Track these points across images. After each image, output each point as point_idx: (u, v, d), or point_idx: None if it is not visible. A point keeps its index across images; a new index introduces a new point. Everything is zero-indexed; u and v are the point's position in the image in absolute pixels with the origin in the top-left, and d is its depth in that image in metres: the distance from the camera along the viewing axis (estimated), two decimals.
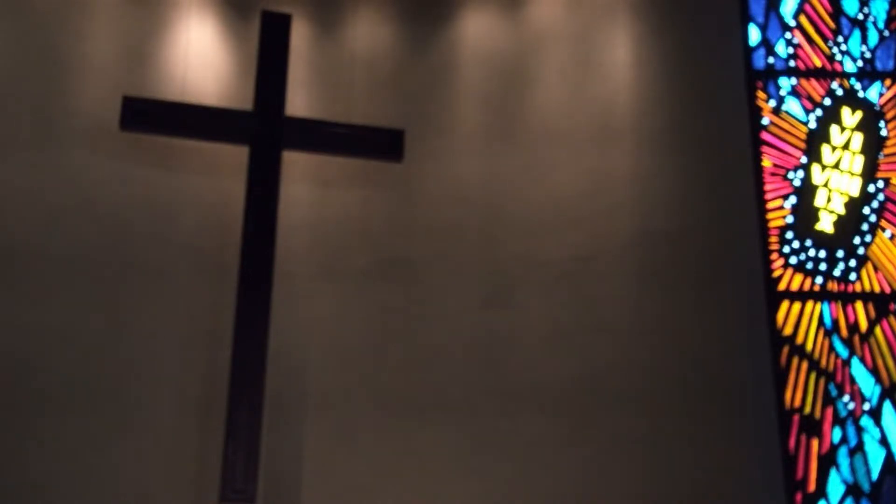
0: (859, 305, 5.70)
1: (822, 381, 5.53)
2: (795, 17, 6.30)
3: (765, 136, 6.00)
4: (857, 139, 6.02)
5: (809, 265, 5.78)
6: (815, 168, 5.97)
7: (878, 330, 5.65)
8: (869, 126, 6.05)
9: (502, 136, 6.04)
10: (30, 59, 5.63)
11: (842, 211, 5.89)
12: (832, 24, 6.28)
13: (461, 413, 5.46)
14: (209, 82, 5.95)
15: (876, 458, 5.42)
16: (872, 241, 5.84)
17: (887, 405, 5.51)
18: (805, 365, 5.55)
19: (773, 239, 5.80)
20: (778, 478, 5.25)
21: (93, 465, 5.09)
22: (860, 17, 6.30)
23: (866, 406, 5.50)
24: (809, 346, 5.60)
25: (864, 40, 6.26)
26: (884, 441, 5.45)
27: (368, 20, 6.29)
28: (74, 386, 5.19)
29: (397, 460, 5.35)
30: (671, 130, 5.87)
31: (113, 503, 5.06)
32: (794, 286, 5.73)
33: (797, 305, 5.68)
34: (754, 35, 6.22)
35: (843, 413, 5.48)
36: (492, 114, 6.10)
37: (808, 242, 5.82)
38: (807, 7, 6.32)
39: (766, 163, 5.94)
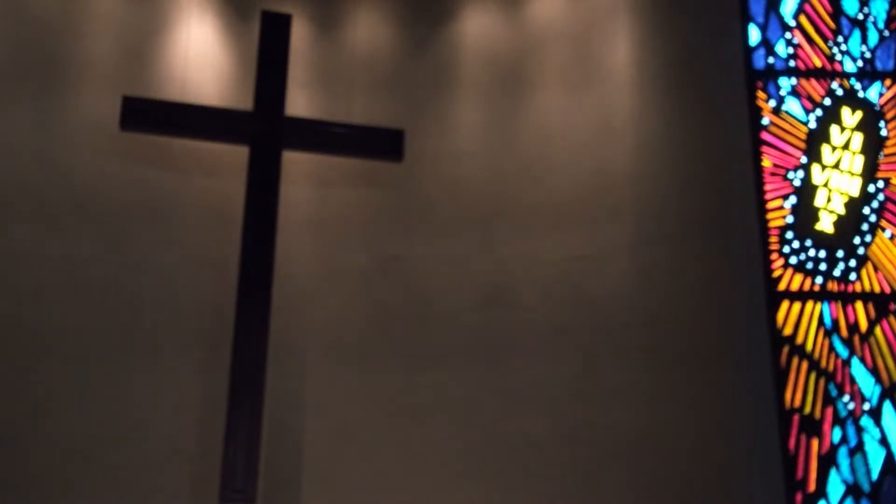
0: (859, 305, 5.70)
1: (822, 381, 5.53)
2: (795, 17, 6.29)
3: (765, 136, 6.00)
4: (857, 139, 6.02)
5: (809, 265, 5.77)
6: (815, 168, 5.96)
7: (878, 330, 5.65)
8: (869, 126, 6.05)
9: (502, 136, 6.05)
10: (30, 59, 5.63)
11: (842, 211, 5.88)
12: (832, 24, 6.28)
13: (461, 413, 5.47)
14: (209, 82, 5.95)
15: (876, 458, 5.42)
16: (872, 241, 5.84)
17: (887, 405, 5.50)
18: (805, 365, 5.55)
19: (773, 239, 5.80)
20: (778, 478, 5.25)
21: (93, 465, 5.09)
22: (860, 17, 6.30)
23: (866, 406, 5.50)
24: (809, 346, 5.59)
25: (864, 40, 6.25)
26: (884, 441, 5.45)
27: (368, 20, 6.29)
28: (74, 386, 5.20)
29: (397, 460, 5.35)
30: (671, 130, 5.87)
31: (114, 503, 5.06)
32: (794, 286, 5.73)
33: (797, 305, 5.68)
34: (754, 35, 6.21)
35: (843, 413, 5.48)
36: (492, 114, 6.10)
37: (808, 242, 5.82)
38: (807, 7, 6.31)
39: (766, 163, 5.94)
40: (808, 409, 5.47)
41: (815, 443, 5.42)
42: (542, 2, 6.28)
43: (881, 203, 5.90)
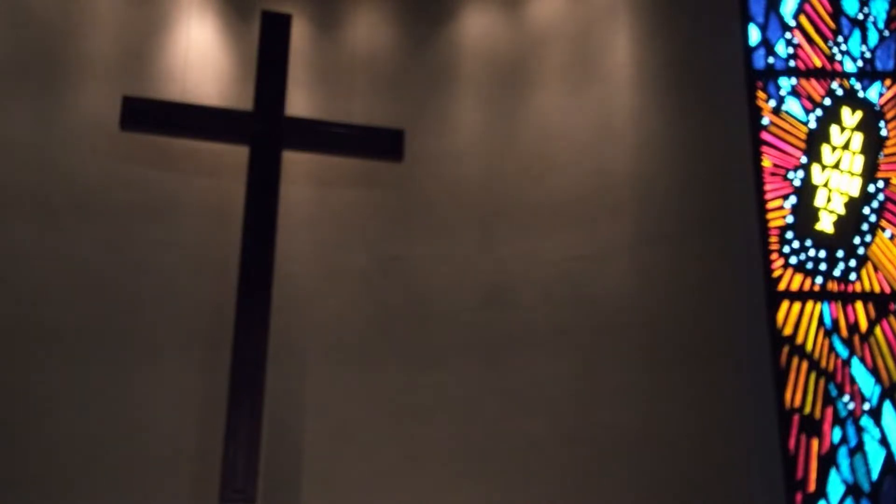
0: (859, 305, 5.70)
1: (822, 381, 5.53)
2: (795, 17, 6.29)
3: (765, 136, 6.00)
4: (857, 139, 6.02)
5: (809, 265, 5.77)
6: (815, 168, 5.96)
7: (878, 330, 5.65)
8: (869, 126, 6.04)
9: (502, 136, 6.05)
10: (30, 58, 5.63)
11: (842, 211, 5.88)
12: (832, 24, 6.28)
13: (461, 413, 5.47)
14: (209, 82, 5.95)
15: (876, 458, 5.41)
16: (872, 241, 5.83)
17: (887, 405, 5.50)
18: (805, 365, 5.55)
19: (773, 239, 5.80)
20: (778, 478, 5.25)
21: (93, 465, 5.10)
22: (860, 17, 6.30)
23: (866, 406, 5.49)
24: (809, 346, 5.59)
25: (864, 40, 6.25)
26: (884, 441, 5.45)
27: (368, 20, 6.30)
28: (74, 386, 5.20)
29: (397, 460, 5.35)
30: (671, 130, 5.87)
31: (114, 503, 5.06)
32: (794, 286, 5.73)
33: (797, 305, 5.68)
34: (754, 35, 6.21)
35: (843, 413, 5.48)
36: (492, 114, 6.10)
37: (808, 242, 5.82)
38: (807, 7, 6.31)
39: (766, 163, 5.94)
40: (808, 409, 5.47)
41: (815, 443, 5.41)
42: (542, 2, 6.28)
43: (881, 203, 5.90)
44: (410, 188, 5.95)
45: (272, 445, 5.20)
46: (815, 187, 5.93)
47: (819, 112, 6.07)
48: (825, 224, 5.86)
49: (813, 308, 5.68)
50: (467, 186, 5.95)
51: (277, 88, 5.65)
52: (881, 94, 6.12)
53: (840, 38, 6.25)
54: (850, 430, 5.45)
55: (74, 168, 5.56)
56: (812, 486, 5.34)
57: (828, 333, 5.63)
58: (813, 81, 6.14)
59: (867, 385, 5.53)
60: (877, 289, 5.74)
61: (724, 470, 5.22)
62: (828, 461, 5.39)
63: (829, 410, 5.48)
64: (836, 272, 5.77)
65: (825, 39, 6.25)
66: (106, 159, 5.63)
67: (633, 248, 5.67)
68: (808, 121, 6.06)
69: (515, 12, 6.30)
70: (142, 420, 5.22)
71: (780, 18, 6.28)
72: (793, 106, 6.08)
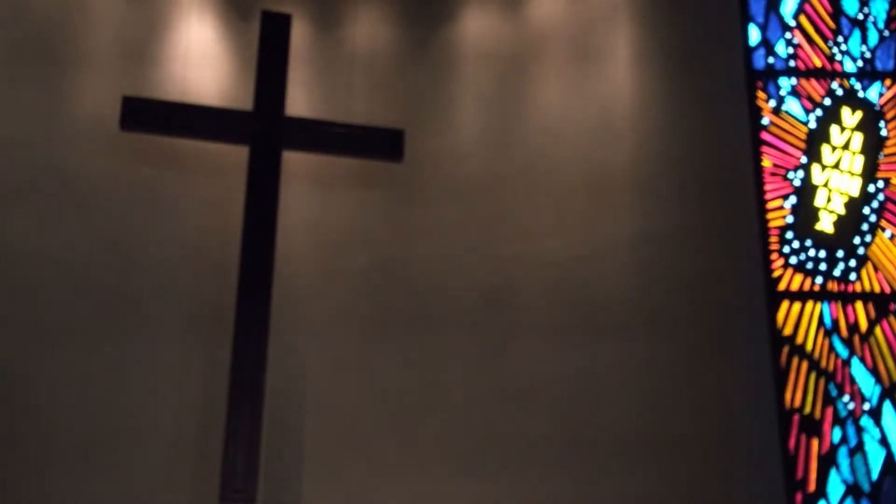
0: (859, 305, 5.70)
1: (822, 381, 5.53)
2: (795, 17, 6.30)
3: (765, 136, 6.00)
4: (857, 139, 6.02)
5: (809, 265, 5.78)
6: (815, 168, 5.97)
7: (878, 330, 5.65)
8: (869, 126, 6.05)
9: (502, 136, 6.04)
10: (30, 58, 5.63)
11: (842, 211, 5.89)
12: (832, 24, 6.28)
13: (461, 413, 5.47)
14: (209, 82, 5.95)
15: (876, 458, 5.42)
16: (872, 241, 5.84)
17: (887, 405, 5.51)
18: (805, 365, 5.55)
19: (773, 239, 5.80)
20: (778, 478, 5.25)
21: (93, 465, 5.09)
22: (860, 17, 6.30)
23: (866, 406, 5.50)
24: (809, 346, 5.59)
25: (864, 40, 6.26)
26: (884, 441, 5.45)
27: (368, 20, 6.29)
28: (74, 386, 5.19)
29: (397, 460, 5.35)
30: (671, 130, 5.87)
31: (114, 502, 5.06)
32: (794, 286, 5.73)
33: (797, 305, 5.68)
34: (754, 35, 6.22)
35: (843, 413, 5.48)
36: (492, 114, 6.10)
37: (808, 242, 5.82)
38: (807, 7, 6.32)
39: (766, 163, 5.95)
40: (808, 409, 5.47)
41: (815, 443, 5.42)
42: (542, 2, 6.28)
43: (881, 203, 5.90)
44: (410, 188, 5.94)
45: (272, 445, 5.20)
46: (815, 187, 5.93)
47: (819, 112, 6.08)
48: (825, 224, 5.86)
49: (813, 308, 5.69)
50: (467, 186, 5.95)
51: (277, 88, 5.64)
52: (881, 94, 6.12)
53: (840, 38, 6.25)
54: (850, 430, 5.46)
55: (74, 168, 5.55)
56: (812, 486, 5.34)
57: (828, 333, 5.64)
58: (813, 81, 6.14)
59: (867, 385, 5.54)
60: (877, 289, 5.74)
61: (724, 470, 5.22)
62: (828, 461, 5.39)
63: (829, 410, 5.48)
64: (836, 272, 5.77)
65: (825, 39, 6.25)
66: (106, 159, 5.62)
67: (633, 248, 5.67)
68: (808, 121, 6.06)
69: (515, 12, 6.29)
70: (142, 420, 5.22)
71: (780, 18, 6.29)
72: (793, 106, 6.08)
